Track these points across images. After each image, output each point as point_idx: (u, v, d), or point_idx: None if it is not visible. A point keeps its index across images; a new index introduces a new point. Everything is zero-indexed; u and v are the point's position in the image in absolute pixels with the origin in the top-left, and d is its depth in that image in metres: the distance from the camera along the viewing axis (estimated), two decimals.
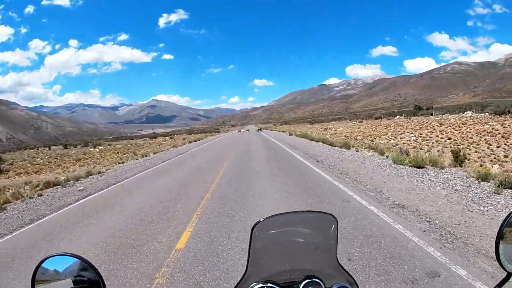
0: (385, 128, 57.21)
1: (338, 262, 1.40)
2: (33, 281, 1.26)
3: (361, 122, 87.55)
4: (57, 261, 1.29)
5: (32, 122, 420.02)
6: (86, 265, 1.29)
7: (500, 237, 1.40)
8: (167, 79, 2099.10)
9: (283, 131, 63.17)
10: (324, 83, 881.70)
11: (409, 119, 79.18)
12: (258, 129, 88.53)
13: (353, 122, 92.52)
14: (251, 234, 1.31)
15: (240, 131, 57.47)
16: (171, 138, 69.33)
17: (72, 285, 1.26)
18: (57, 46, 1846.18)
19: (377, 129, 57.16)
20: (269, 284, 1.30)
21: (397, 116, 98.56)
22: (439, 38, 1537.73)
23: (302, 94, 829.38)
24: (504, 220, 1.42)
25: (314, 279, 1.32)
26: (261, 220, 1.33)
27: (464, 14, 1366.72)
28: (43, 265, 1.28)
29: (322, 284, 1.32)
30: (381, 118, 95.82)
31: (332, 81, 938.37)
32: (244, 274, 1.33)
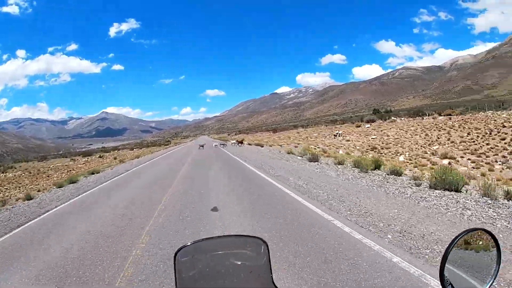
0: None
1: (274, 285, 1.35)
2: None
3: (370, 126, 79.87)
4: None
5: None
6: None
7: (445, 259, 1.41)
8: (117, 90, 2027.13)
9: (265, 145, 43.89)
10: (275, 91, 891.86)
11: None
12: (221, 145, 47.04)
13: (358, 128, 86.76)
14: (175, 261, 1.26)
15: (201, 147, 39.22)
16: (100, 157, 56.07)
17: None
18: (4, 57, 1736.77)
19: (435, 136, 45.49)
20: None
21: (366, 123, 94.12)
22: (386, 46, 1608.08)
23: (254, 103, 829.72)
24: (451, 243, 1.43)
25: None
26: (186, 245, 1.30)
27: (410, 22, 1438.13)
28: None
29: None
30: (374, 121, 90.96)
31: (283, 89, 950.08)
32: None
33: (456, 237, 1.43)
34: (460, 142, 35.95)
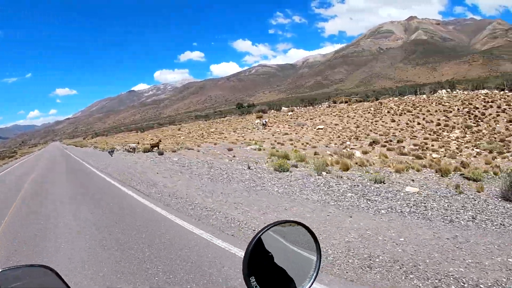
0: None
1: None
2: None
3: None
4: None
5: None
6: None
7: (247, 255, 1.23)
8: None
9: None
10: (132, 89, 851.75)
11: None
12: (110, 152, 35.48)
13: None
14: None
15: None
16: None
17: None
18: None
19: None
20: None
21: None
22: (242, 45, 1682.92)
23: (111, 102, 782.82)
24: (254, 237, 1.28)
25: None
26: None
27: (266, 23, 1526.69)
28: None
29: None
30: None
31: (141, 87, 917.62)
32: None
33: (262, 229, 1.30)
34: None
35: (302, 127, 40.56)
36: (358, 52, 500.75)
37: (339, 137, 34.19)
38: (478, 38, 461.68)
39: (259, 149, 23.82)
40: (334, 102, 62.99)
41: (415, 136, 32.60)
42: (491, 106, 37.71)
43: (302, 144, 30.05)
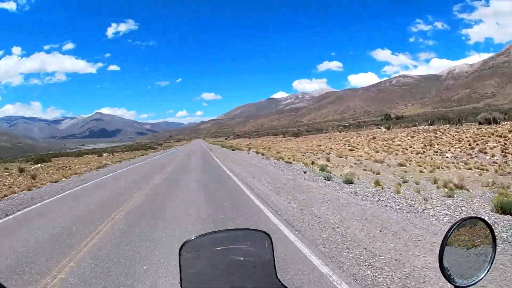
0: None
1: (278, 280, 1.33)
2: None
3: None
4: None
5: None
6: None
7: (443, 248, 1.48)
8: (113, 91, 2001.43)
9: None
10: (272, 96, 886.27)
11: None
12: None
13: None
14: (180, 256, 1.25)
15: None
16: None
17: None
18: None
19: None
20: None
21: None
22: (381, 54, 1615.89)
23: (251, 108, 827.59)
24: (448, 231, 1.49)
25: None
26: (190, 239, 1.28)
27: (406, 31, 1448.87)
28: None
29: None
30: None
31: (280, 95, 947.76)
32: None
33: (453, 225, 1.48)
34: None
35: None
36: (510, 62, 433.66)
37: None
38: None
39: None
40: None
41: None
42: None
43: None
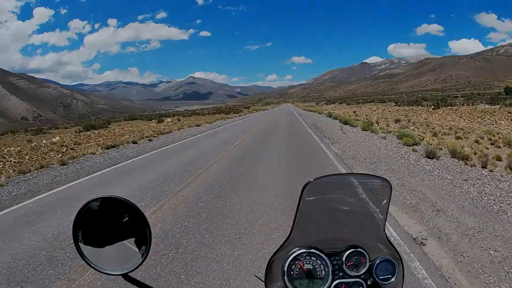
0: None
1: (385, 234, 1.31)
2: (76, 223, 1.20)
3: None
4: (103, 203, 1.23)
5: (62, 100, 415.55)
6: (131, 206, 1.22)
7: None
8: (205, 56, 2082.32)
9: None
10: (365, 61, 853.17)
11: None
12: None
13: None
14: (301, 195, 1.22)
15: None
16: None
17: (117, 226, 1.22)
18: (96, 25, 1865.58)
19: None
20: (312, 250, 1.24)
21: None
22: (486, 19, 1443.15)
23: (342, 73, 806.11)
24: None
25: (358, 249, 1.27)
26: (313, 180, 1.23)
27: None
28: (89, 206, 1.22)
29: (366, 255, 1.27)
30: None
31: (373, 59, 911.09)
32: (288, 237, 1.25)
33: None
34: None
35: None
36: None
37: None
38: None
39: None
40: None
41: None
42: None
43: None
